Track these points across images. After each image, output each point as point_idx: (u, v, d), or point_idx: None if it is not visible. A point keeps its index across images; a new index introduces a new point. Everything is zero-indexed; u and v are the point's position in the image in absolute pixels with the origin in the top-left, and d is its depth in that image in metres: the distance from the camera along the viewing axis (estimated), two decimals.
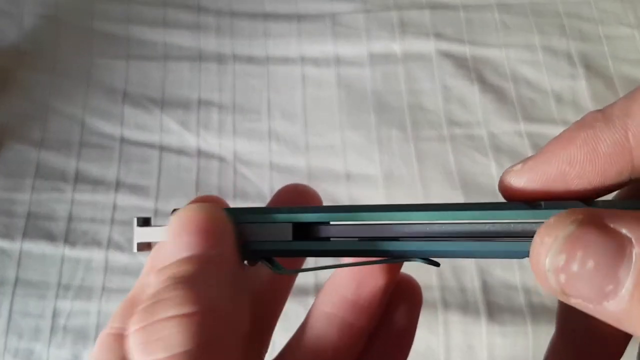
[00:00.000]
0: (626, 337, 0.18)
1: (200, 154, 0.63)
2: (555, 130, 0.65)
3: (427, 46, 0.71)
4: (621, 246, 0.11)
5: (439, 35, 0.72)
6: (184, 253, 0.15)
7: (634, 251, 0.11)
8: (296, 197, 0.20)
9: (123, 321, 0.16)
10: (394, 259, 0.17)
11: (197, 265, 0.15)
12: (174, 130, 0.65)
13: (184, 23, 0.72)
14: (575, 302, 0.12)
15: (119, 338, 0.16)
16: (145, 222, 0.18)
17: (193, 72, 0.69)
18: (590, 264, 0.12)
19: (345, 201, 0.60)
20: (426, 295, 0.56)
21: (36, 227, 0.58)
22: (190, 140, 0.64)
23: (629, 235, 0.11)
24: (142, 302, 0.15)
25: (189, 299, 0.14)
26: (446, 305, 0.55)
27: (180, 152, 0.63)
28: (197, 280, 0.15)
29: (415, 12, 0.73)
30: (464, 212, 0.16)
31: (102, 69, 0.69)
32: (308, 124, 0.66)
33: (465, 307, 0.55)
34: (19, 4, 0.72)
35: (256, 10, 0.74)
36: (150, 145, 0.64)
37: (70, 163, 0.62)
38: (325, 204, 0.20)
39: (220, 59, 0.70)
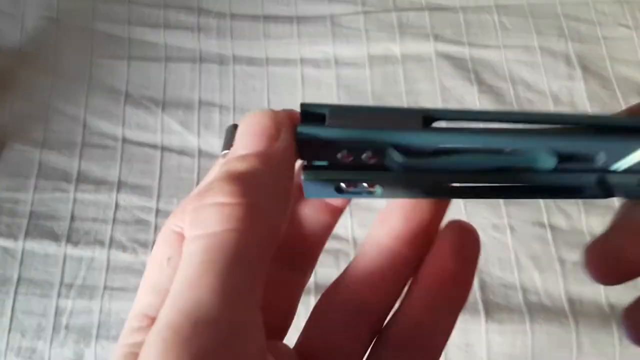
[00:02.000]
0: None
1: (201, 153, 0.64)
2: None
3: (426, 47, 0.71)
4: None
5: (438, 37, 0.72)
6: (242, 151, 0.17)
7: None
8: None
9: (180, 219, 0.18)
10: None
11: (249, 162, 0.17)
12: (175, 131, 0.65)
13: (185, 24, 0.73)
14: None
15: (178, 235, 0.18)
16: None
17: (194, 73, 0.69)
18: None
19: None
20: None
21: (39, 226, 0.58)
22: (191, 140, 0.65)
23: None
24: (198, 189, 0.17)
25: (232, 191, 0.16)
26: None
27: (182, 152, 0.64)
28: (245, 175, 0.16)
29: (414, 13, 0.74)
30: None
31: (104, 70, 0.69)
32: None
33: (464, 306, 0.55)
34: (21, 5, 0.72)
35: (256, 12, 0.74)
36: (152, 146, 0.64)
37: (72, 163, 0.62)
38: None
39: (220, 60, 0.70)
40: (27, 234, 0.58)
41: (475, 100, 0.67)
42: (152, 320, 0.16)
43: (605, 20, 0.74)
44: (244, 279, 0.15)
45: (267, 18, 0.74)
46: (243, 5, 0.75)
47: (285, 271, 0.21)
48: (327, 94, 0.68)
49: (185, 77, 0.69)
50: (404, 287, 0.21)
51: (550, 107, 0.67)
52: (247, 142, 0.17)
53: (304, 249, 0.22)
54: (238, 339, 0.14)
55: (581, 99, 0.68)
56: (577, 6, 0.75)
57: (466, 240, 0.20)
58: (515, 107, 0.67)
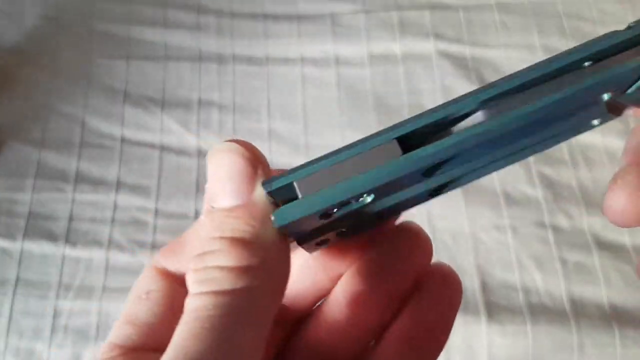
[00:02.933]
0: None
1: (200, 154, 0.63)
2: None
3: (427, 46, 0.71)
4: None
5: (438, 36, 0.72)
6: (226, 201, 0.17)
7: None
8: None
9: (168, 259, 0.19)
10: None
11: (242, 219, 0.16)
12: (174, 130, 0.65)
13: (184, 23, 0.72)
14: None
15: (161, 272, 0.18)
16: None
17: (193, 73, 0.69)
18: None
19: None
20: None
21: (37, 227, 0.58)
22: (190, 140, 0.64)
23: None
24: (194, 247, 0.17)
25: (239, 256, 0.16)
26: None
27: (181, 152, 0.64)
28: (245, 235, 0.16)
29: (415, 12, 0.74)
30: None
31: (103, 69, 0.69)
32: (308, 123, 0.66)
33: (465, 307, 0.55)
34: (20, 4, 0.72)
35: (256, 10, 0.74)
36: (151, 145, 0.64)
37: (70, 163, 0.62)
38: None
39: (220, 59, 0.70)
40: (25, 235, 0.57)
41: None
42: (122, 350, 0.17)
43: (607, 19, 0.74)
44: (251, 338, 0.15)
45: (267, 17, 0.73)
46: (243, 3, 0.74)
47: None
48: (328, 94, 0.68)
49: (185, 77, 0.69)
50: (375, 334, 0.20)
51: None
52: (229, 190, 0.17)
53: (292, 304, 0.21)
54: None
55: None
56: (578, 5, 0.75)
57: (449, 290, 0.20)
58: None
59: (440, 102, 0.62)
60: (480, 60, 0.70)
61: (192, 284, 0.16)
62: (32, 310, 0.54)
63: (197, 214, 0.60)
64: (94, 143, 0.63)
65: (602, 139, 0.65)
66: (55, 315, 0.54)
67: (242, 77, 0.69)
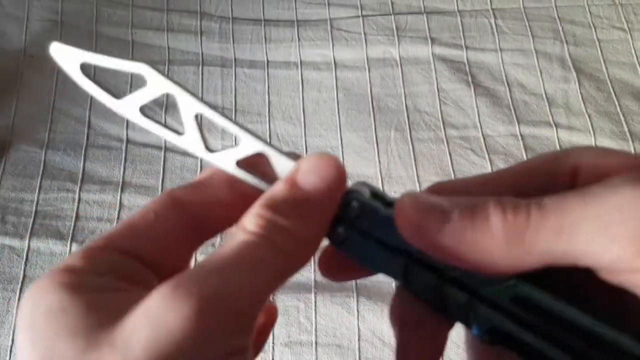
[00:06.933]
0: None
1: None
2: (548, 132, 0.66)
3: (424, 50, 0.72)
4: None
5: (435, 40, 0.73)
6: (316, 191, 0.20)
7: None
8: None
9: (189, 193, 0.21)
10: None
11: (323, 213, 0.21)
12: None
13: (187, 28, 0.74)
14: None
15: (174, 202, 0.20)
16: None
17: (196, 76, 0.70)
18: None
19: None
20: None
21: (44, 225, 0.59)
22: None
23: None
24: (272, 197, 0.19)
25: (303, 234, 0.19)
26: None
27: (184, 152, 0.65)
28: (316, 228, 0.20)
29: (413, 17, 0.75)
30: None
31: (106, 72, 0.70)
32: (308, 125, 0.67)
33: None
34: (25, 8, 0.73)
35: (257, 15, 0.75)
36: (155, 147, 0.65)
37: (77, 163, 0.63)
38: None
39: (222, 63, 0.71)
40: (33, 233, 0.58)
41: (472, 103, 0.68)
42: (107, 242, 0.18)
43: (601, 23, 0.75)
44: (274, 288, 0.18)
45: (268, 22, 0.75)
46: (244, 9, 0.76)
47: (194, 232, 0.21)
48: (327, 96, 0.69)
49: (188, 80, 0.70)
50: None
51: (545, 108, 0.68)
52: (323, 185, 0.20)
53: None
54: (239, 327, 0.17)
55: (576, 101, 0.69)
56: (572, 9, 0.76)
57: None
58: (511, 108, 0.68)
59: (437, 105, 0.63)
60: (476, 64, 0.72)
61: (253, 225, 0.18)
62: None
63: None
64: (100, 144, 0.65)
65: (594, 141, 0.66)
66: None
67: (244, 80, 0.70)
